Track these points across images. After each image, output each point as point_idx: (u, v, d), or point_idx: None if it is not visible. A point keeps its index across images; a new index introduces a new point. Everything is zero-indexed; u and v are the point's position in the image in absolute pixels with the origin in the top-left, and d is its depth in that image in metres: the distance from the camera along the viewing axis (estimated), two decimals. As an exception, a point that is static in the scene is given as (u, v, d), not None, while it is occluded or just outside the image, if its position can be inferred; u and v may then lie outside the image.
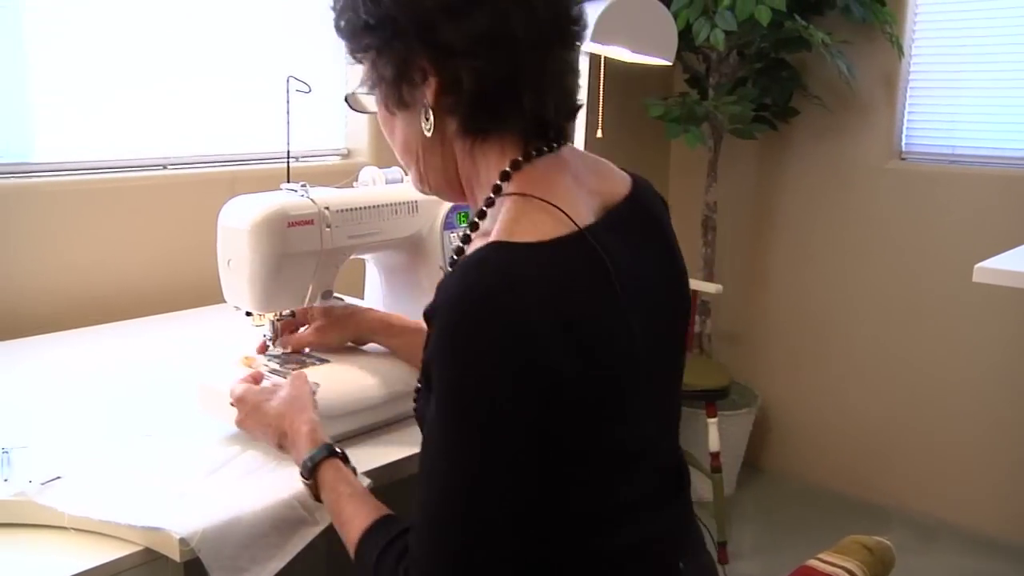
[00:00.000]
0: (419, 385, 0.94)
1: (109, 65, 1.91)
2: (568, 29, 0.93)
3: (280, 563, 1.02)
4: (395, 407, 1.30)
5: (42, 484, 1.04)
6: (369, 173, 1.40)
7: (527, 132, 0.92)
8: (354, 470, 1.04)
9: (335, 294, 1.32)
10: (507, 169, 0.91)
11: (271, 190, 1.25)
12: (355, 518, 0.96)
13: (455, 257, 0.93)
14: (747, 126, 2.85)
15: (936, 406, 2.89)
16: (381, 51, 0.92)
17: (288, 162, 1.39)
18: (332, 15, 0.97)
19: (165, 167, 2.01)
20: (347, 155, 2.42)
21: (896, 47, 2.73)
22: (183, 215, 1.98)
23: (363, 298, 1.58)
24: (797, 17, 2.60)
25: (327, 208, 1.24)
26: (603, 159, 1.02)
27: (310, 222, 1.22)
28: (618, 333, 0.87)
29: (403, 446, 1.23)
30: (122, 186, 1.91)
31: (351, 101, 1.05)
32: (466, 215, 1.45)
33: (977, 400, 2.81)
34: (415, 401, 0.97)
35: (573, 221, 0.86)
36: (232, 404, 1.15)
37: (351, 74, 2.38)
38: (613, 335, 0.86)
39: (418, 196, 1.38)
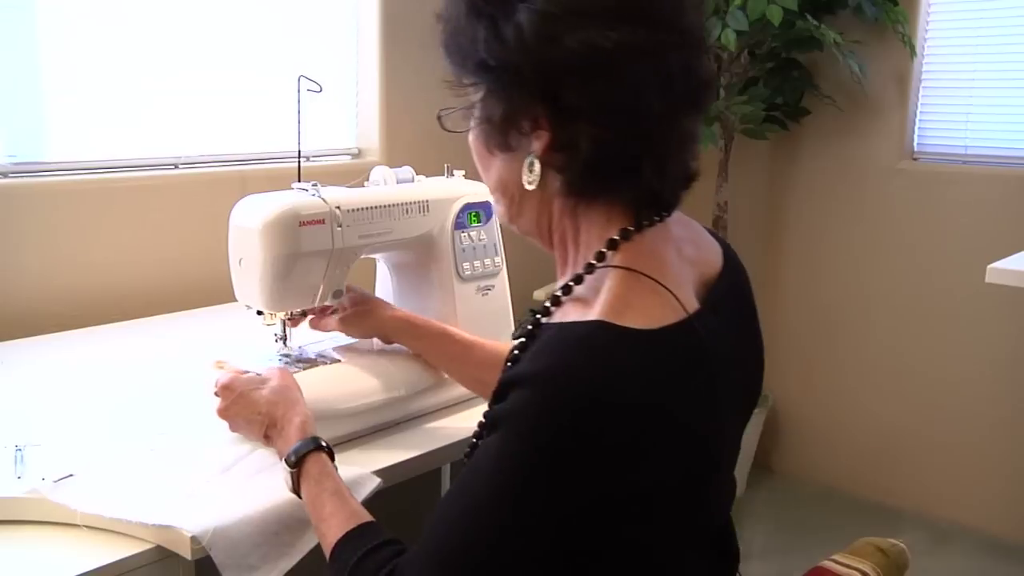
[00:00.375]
0: (475, 438, 0.91)
1: (121, 65, 1.91)
2: (702, 96, 0.86)
3: (291, 561, 1.02)
4: (404, 408, 1.30)
5: (55, 482, 1.04)
6: (380, 173, 1.40)
7: (639, 201, 0.86)
8: (335, 468, 1.03)
9: (355, 289, 1.32)
10: (615, 238, 0.84)
11: (282, 189, 1.26)
12: (334, 517, 0.94)
13: (538, 317, 0.88)
14: (758, 126, 2.84)
15: (949, 407, 2.88)
16: (491, 92, 0.86)
17: (299, 161, 1.39)
18: (440, 29, 0.91)
19: (176, 166, 2.02)
20: (358, 155, 2.42)
21: (908, 47, 2.72)
22: (194, 214, 1.99)
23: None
24: (809, 17, 2.59)
25: (338, 208, 1.24)
26: (694, 221, 0.97)
27: (321, 221, 1.22)
28: (710, 431, 0.84)
29: (411, 447, 1.23)
30: (134, 185, 1.92)
31: (445, 122, 0.99)
32: (477, 215, 1.45)
33: (990, 401, 2.79)
34: (467, 455, 0.95)
35: (683, 307, 0.81)
36: (216, 393, 1.14)
37: (363, 75, 2.38)
38: (706, 433, 0.83)
39: (429, 196, 1.38)
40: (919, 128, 2.90)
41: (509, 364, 0.88)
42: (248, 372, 1.19)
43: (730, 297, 0.93)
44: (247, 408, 1.12)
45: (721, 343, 0.84)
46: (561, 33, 0.79)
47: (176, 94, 2.01)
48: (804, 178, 3.10)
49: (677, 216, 0.92)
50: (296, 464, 1.01)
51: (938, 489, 2.92)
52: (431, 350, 1.30)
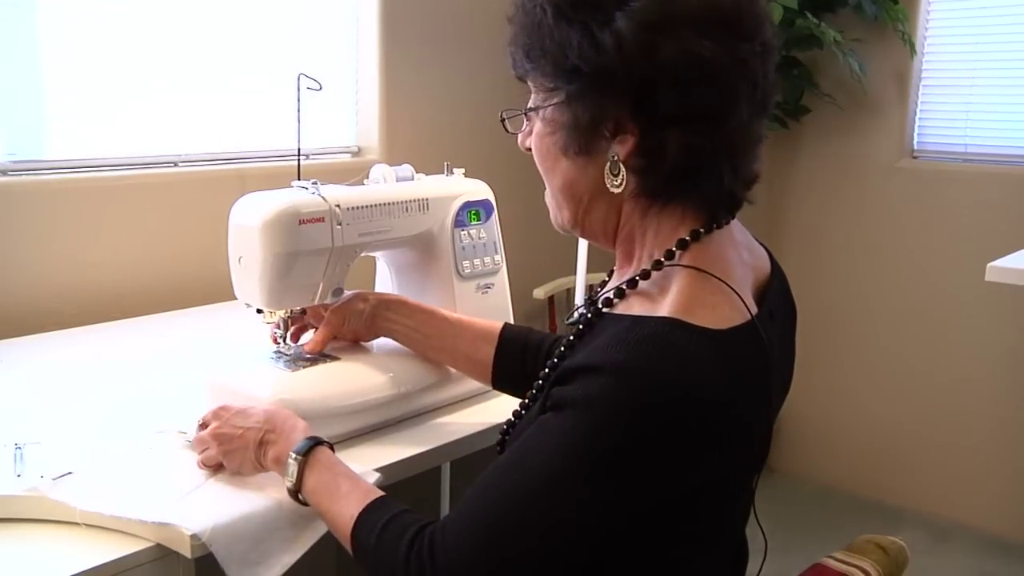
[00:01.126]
0: (522, 409, 0.93)
1: (120, 63, 1.91)
2: (772, 101, 0.90)
3: (293, 557, 1.02)
4: (404, 405, 1.30)
5: (54, 479, 1.04)
6: (380, 171, 1.40)
7: (713, 203, 0.89)
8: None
9: (345, 291, 1.32)
10: (686, 238, 0.88)
11: (282, 187, 1.25)
12: (352, 494, 0.95)
13: (598, 306, 0.90)
14: (758, 124, 2.84)
15: (949, 406, 2.88)
16: (578, 97, 0.86)
17: (299, 159, 1.39)
18: (514, 32, 0.91)
19: (176, 164, 2.02)
20: (357, 152, 2.42)
21: (908, 45, 2.72)
22: (194, 212, 1.98)
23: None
24: (809, 15, 2.59)
25: (338, 206, 1.24)
26: (745, 229, 1.00)
27: (321, 220, 1.22)
28: (763, 430, 0.87)
29: (411, 445, 1.23)
30: (133, 183, 1.92)
31: (509, 124, 0.99)
32: (477, 213, 1.44)
33: (990, 400, 2.79)
34: (500, 443, 0.96)
35: (748, 309, 0.84)
36: (212, 414, 1.11)
37: (363, 73, 2.38)
38: (760, 432, 0.86)
39: (428, 194, 1.38)
40: (919, 126, 2.90)
41: (564, 349, 0.91)
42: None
43: (777, 301, 0.96)
44: (243, 419, 1.08)
45: (774, 346, 0.87)
46: (660, 41, 0.81)
47: (176, 92, 2.00)
48: (804, 176, 3.10)
49: (739, 225, 0.96)
50: (304, 454, 1.00)
51: (938, 487, 2.92)
52: (424, 327, 1.27)
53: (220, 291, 1.46)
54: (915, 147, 2.91)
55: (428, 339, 1.28)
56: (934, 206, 2.83)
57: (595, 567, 0.83)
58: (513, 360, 1.22)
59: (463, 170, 1.49)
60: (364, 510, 0.92)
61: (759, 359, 0.84)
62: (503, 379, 1.24)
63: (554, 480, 0.79)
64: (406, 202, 1.34)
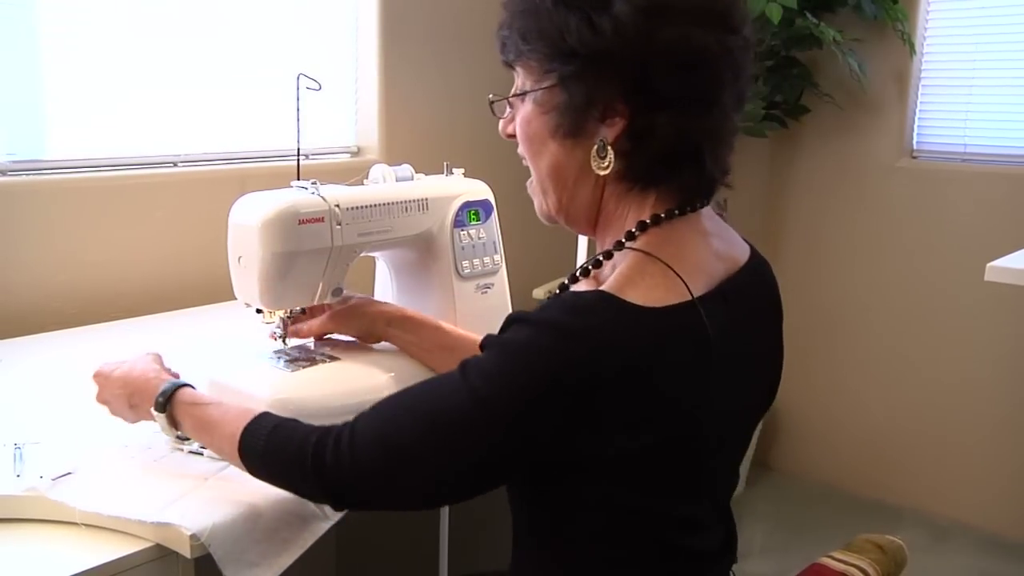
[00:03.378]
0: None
1: (120, 63, 1.91)
2: (747, 95, 0.95)
3: (291, 558, 1.02)
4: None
5: (53, 480, 1.04)
6: (379, 171, 1.40)
7: (690, 189, 0.92)
8: None
9: (345, 291, 1.32)
10: (647, 221, 0.90)
11: (281, 187, 1.26)
12: (227, 416, 0.99)
13: (567, 284, 0.95)
14: (758, 124, 2.84)
15: (948, 405, 2.88)
16: (574, 79, 0.88)
17: (298, 159, 1.39)
18: (509, 16, 0.93)
19: (176, 164, 2.02)
20: (357, 152, 2.42)
21: (908, 45, 2.72)
22: (194, 212, 1.99)
23: (373, 296, 1.58)
24: (808, 15, 2.59)
25: (337, 206, 1.24)
26: (726, 224, 1.02)
27: (320, 220, 1.22)
28: (696, 406, 0.87)
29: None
30: (133, 183, 1.92)
31: (497, 108, 1.00)
32: (476, 213, 1.45)
33: (989, 399, 2.79)
34: None
35: (689, 290, 0.86)
36: (93, 379, 1.16)
37: (362, 73, 2.38)
38: (690, 408, 0.86)
39: (428, 194, 1.38)
40: (918, 126, 2.90)
41: None
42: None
43: (748, 291, 0.96)
44: (111, 385, 1.13)
45: (726, 330, 0.87)
46: (657, 27, 0.85)
47: (175, 92, 2.00)
48: (803, 176, 3.10)
49: (709, 213, 0.97)
50: (165, 405, 1.04)
51: (937, 487, 2.92)
52: (426, 342, 1.30)
53: (220, 291, 1.47)
54: (915, 147, 2.91)
55: (430, 353, 1.30)
56: (934, 206, 2.83)
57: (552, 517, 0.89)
58: None
59: (463, 170, 1.49)
60: (248, 424, 0.96)
61: (689, 335, 0.85)
62: None
63: (457, 415, 0.83)
64: (406, 202, 1.34)
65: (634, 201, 0.92)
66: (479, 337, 1.27)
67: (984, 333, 2.77)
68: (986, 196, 2.73)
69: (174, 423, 1.05)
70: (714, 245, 0.94)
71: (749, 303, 0.96)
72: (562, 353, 0.80)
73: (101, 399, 1.15)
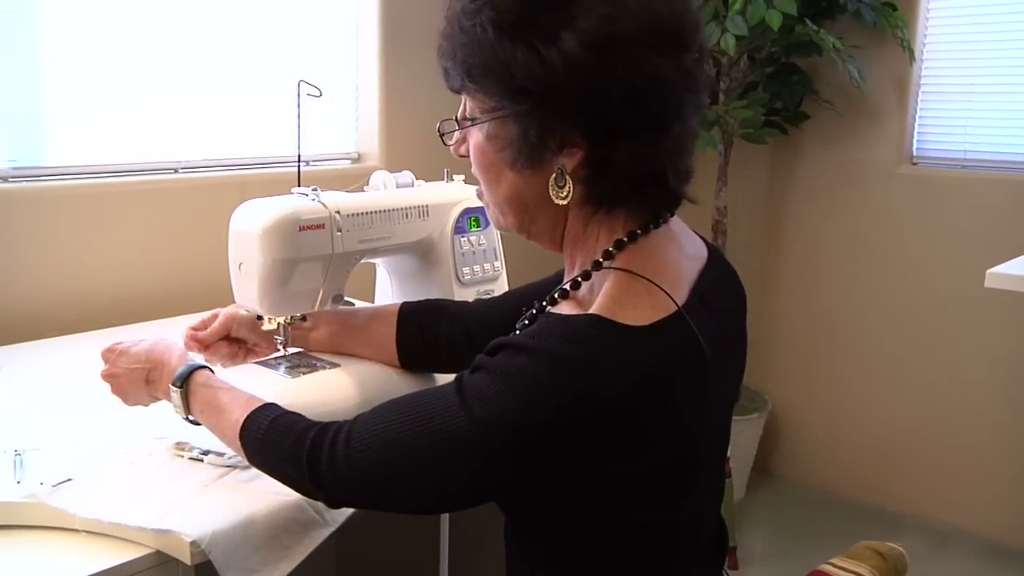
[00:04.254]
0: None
1: (121, 69, 1.92)
2: (707, 96, 0.92)
3: (291, 564, 1.02)
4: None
5: (53, 486, 1.04)
6: (380, 177, 1.40)
7: (655, 205, 0.91)
8: None
9: (346, 298, 1.32)
10: (624, 239, 0.89)
11: (281, 194, 1.26)
12: (234, 403, 0.99)
13: (544, 305, 0.94)
14: (758, 131, 2.84)
15: (948, 411, 2.88)
16: (527, 114, 0.86)
17: (299, 166, 1.39)
18: (450, 48, 0.91)
19: (176, 171, 2.02)
20: (357, 159, 2.42)
21: (907, 51, 2.72)
22: (194, 219, 1.99)
23: (374, 302, 1.59)
24: (808, 22, 2.59)
25: (338, 212, 1.24)
26: (681, 220, 1.00)
27: (321, 226, 1.22)
28: (696, 419, 0.87)
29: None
30: (133, 190, 1.92)
31: (446, 138, 1.00)
32: (476, 220, 1.45)
33: (990, 405, 2.79)
34: None
35: (675, 303, 0.85)
36: (102, 355, 1.16)
37: (363, 79, 2.39)
38: (689, 421, 0.86)
39: (428, 200, 1.38)
40: (918, 133, 2.90)
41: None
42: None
43: (717, 288, 0.96)
44: (127, 359, 1.13)
45: (710, 333, 0.87)
46: (609, 60, 0.81)
47: (176, 99, 2.01)
48: (803, 182, 3.11)
49: (675, 219, 0.95)
50: (182, 384, 1.04)
51: (938, 493, 2.92)
52: (335, 338, 1.29)
53: (221, 297, 1.46)
54: (914, 153, 2.91)
55: (340, 346, 1.29)
56: (934, 212, 2.84)
57: (548, 535, 0.89)
58: (413, 335, 1.23)
59: (463, 177, 1.49)
60: (251, 412, 0.96)
61: (686, 348, 0.84)
62: (407, 356, 1.25)
63: (457, 436, 0.82)
64: (406, 208, 1.35)
65: (603, 221, 0.90)
66: (379, 307, 1.26)
67: (984, 339, 2.77)
68: (986, 202, 2.73)
69: (186, 403, 1.05)
70: (685, 247, 0.94)
71: (720, 300, 0.95)
72: (562, 384, 0.79)
73: (109, 373, 1.15)
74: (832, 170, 3.03)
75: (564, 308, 0.90)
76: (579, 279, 0.91)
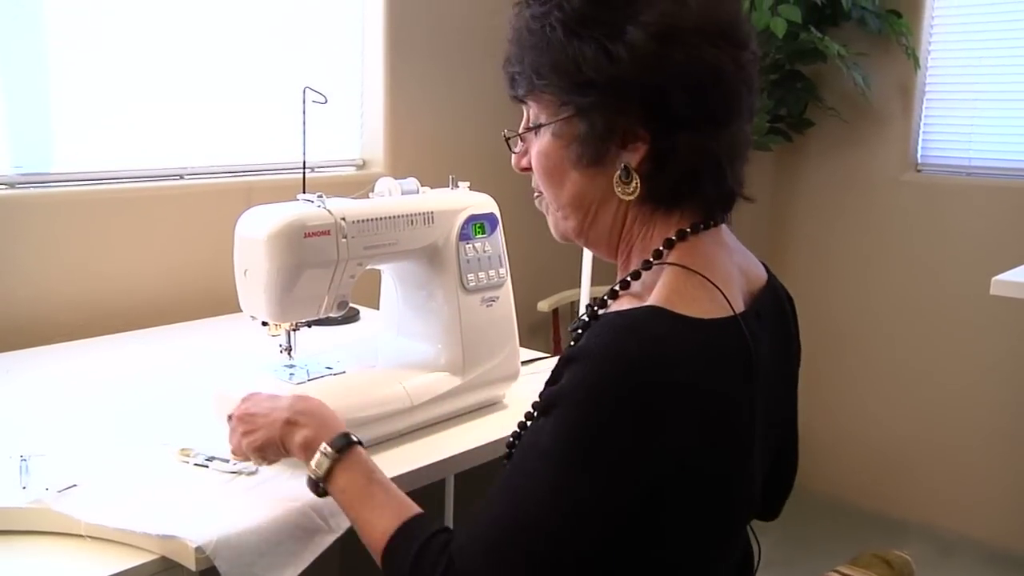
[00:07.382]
0: (526, 419, 0.93)
1: (127, 76, 1.92)
2: (756, 107, 0.95)
3: (296, 571, 1.02)
4: (409, 418, 1.30)
5: (59, 492, 1.04)
6: (385, 184, 1.40)
7: (711, 205, 0.92)
8: None
9: (351, 304, 1.32)
10: (672, 238, 0.90)
11: (287, 200, 1.26)
12: (387, 506, 0.93)
13: (595, 308, 0.93)
14: (762, 137, 2.84)
15: (954, 419, 2.87)
16: (592, 109, 0.88)
17: (304, 172, 1.40)
18: (515, 49, 0.92)
19: (182, 177, 2.03)
20: (362, 166, 2.43)
21: (912, 59, 2.72)
22: (200, 225, 1.99)
23: (378, 308, 1.58)
24: (812, 29, 2.60)
25: (343, 219, 1.24)
26: (739, 242, 1.02)
27: (327, 232, 1.22)
28: (747, 423, 0.87)
29: (416, 458, 1.23)
30: (139, 196, 1.92)
31: (512, 143, 0.99)
32: (482, 226, 1.45)
33: (996, 413, 2.78)
34: (509, 446, 0.96)
35: (731, 305, 0.86)
36: (244, 403, 1.09)
37: (368, 86, 2.39)
38: (743, 424, 0.86)
39: (433, 207, 1.38)
40: (923, 140, 2.90)
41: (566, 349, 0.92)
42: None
43: (772, 309, 0.97)
44: (273, 400, 1.07)
45: (763, 348, 0.88)
46: (672, 50, 0.85)
47: (182, 105, 2.01)
48: (808, 189, 3.11)
49: (726, 229, 0.97)
50: (343, 449, 0.97)
51: (944, 501, 2.91)
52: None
53: (226, 303, 1.47)
54: (919, 160, 2.91)
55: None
56: (938, 220, 2.83)
57: (605, 566, 0.83)
58: None
59: (468, 183, 1.49)
60: (400, 527, 0.90)
61: (740, 352, 0.85)
62: None
63: (551, 480, 0.80)
64: (411, 215, 1.35)
65: (659, 221, 0.92)
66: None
67: (989, 346, 2.76)
68: (991, 210, 2.72)
69: (329, 473, 0.97)
70: (736, 258, 0.95)
71: (775, 321, 0.96)
72: (624, 380, 0.79)
73: (253, 425, 1.05)
74: (836, 177, 3.03)
75: (620, 306, 0.90)
76: (629, 278, 0.92)
